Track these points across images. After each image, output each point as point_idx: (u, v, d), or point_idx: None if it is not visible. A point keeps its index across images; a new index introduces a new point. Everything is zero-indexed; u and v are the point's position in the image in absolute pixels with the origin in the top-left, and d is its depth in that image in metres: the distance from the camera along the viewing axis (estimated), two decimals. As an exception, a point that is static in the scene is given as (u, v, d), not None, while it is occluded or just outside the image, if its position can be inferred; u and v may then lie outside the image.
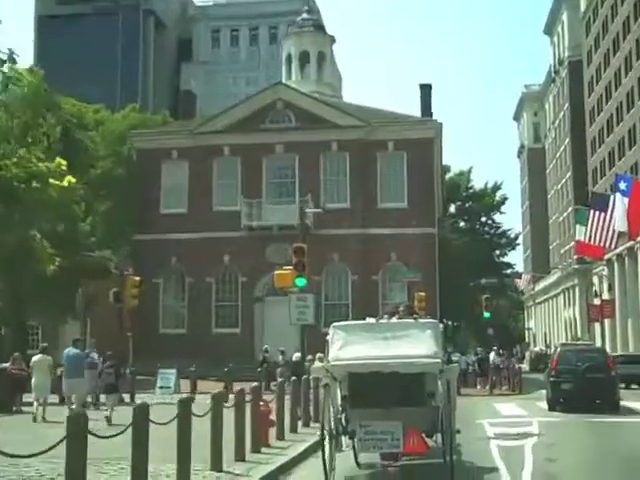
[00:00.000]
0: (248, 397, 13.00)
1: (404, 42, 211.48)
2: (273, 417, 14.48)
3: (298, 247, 19.73)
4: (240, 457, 11.86)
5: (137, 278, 26.99)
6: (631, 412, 21.41)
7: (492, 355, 36.93)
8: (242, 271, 42.09)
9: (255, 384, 13.57)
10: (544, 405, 23.71)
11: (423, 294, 33.09)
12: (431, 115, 44.38)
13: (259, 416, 12.89)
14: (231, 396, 12.55)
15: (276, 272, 20.17)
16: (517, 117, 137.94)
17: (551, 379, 23.10)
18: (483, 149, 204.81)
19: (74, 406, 19.27)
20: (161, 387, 25.86)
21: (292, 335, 39.98)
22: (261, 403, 13.51)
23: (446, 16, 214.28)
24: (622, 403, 22.28)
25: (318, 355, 22.03)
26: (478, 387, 34.48)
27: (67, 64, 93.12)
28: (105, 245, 53.79)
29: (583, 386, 21.59)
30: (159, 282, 43.29)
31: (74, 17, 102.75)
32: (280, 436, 14.61)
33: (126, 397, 24.74)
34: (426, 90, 46.23)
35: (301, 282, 19.09)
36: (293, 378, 16.73)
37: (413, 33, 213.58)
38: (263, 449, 13.01)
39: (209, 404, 11.31)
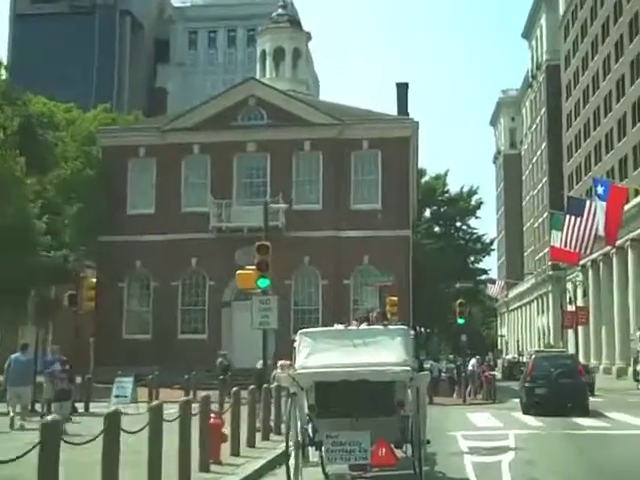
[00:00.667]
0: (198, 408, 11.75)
1: (383, 47, 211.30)
2: (227, 430, 13.21)
3: (261, 245, 18.49)
4: (185, 477, 10.58)
5: (93, 280, 25.60)
6: (601, 415, 21.22)
7: (472, 362, 35.90)
8: (210, 275, 40.68)
9: (205, 394, 12.25)
10: (519, 415, 22.71)
11: (395, 298, 31.91)
12: (407, 115, 43.22)
13: (208, 430, 11.61)
14: (174, 409, 11.19)
15: (238, 272, 18.91)
16: (494, 122, 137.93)
17: (526, 384, 24.54)
18: (459, 154, 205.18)
19: (18, 418, 17.97)
20: (117, 396, 24.39)
21: (259, 341, 39.01)
22: (212, 415, 12.25)
23: (425, 20, 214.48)
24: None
25: (280, 363, 21.02)
26: (455, 396, 33.32)
27: (43, 63, 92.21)
28: (77, 247, 52.52)
29: (555, 391, 23.07)
30: (123, 286, 41.82)
31: (50, 16, 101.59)
32: (235, 451, 13.35)
33: (80, 406, 23.34)
34: (403, 89, 45.12)
35: (264, 283, 17.83)
36: (252, 387, 15.42)
37: (392, 37, 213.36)
38: (213, 467, 11.72)
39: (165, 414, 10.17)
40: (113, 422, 7.97)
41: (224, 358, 34.40)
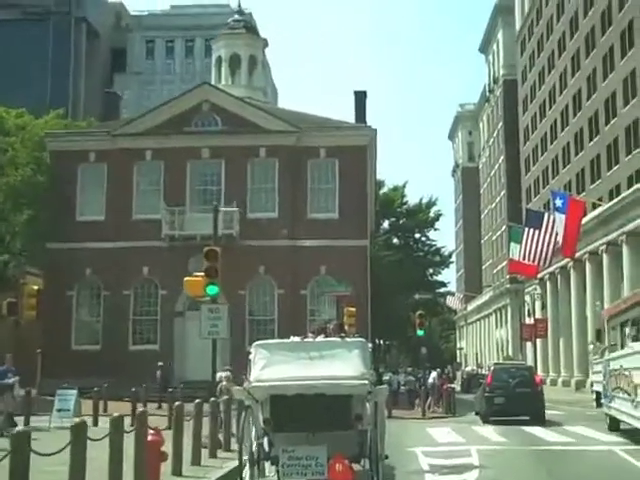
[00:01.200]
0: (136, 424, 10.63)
1: (341, 59, 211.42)
2: (169, 448, 12.09)
3: (210, 250, 17.39)
4: (114, 503, 9.47)
5: (35, 287, 24.23)
6: (564, 430, 20.81)
7: (434, 375, 35.09)
8: (162, 284, 39.35)
9: (141, 409, 11.14)
10: (480, 429, 21.93)
11: (353, 309, 30.97)
12: (365, 123, 42.43)
13: (145, 448, 10.49)
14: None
15: (186, 279, 17.79)
16: (452, 136, 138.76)
17: (486, 394, 25.90)
18: (417, 167, 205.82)
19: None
20: (59, 410, 23.01)
21: (216, 352, 37.87)
22: (150, 431, 11.12)
23: (383, 33, 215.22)
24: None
25: (224, 374, 20.18)
26: (418, 408, 32.38)
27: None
28: (20, 255, 50.91)
29: (513, 399, 24.50)
30: (72, 294, 40.35)
31: (3, 22, 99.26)
32: (177, 471, 12.23)
33: (20, 420, 21.97)
34: (361, 97, 44.35)
35: (213, 290, 16.75)
36: (197, 400, 14.32)
37: (350, 49, 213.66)
38: (150, 490, 10.62)
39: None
40: (21, 442, 6.82)
41: (163, 370, 33.42)
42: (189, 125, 40.65)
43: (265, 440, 9.98)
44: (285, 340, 10.92)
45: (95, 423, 23.35)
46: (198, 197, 40.21)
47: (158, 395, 26.49)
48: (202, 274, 17.13)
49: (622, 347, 19.11)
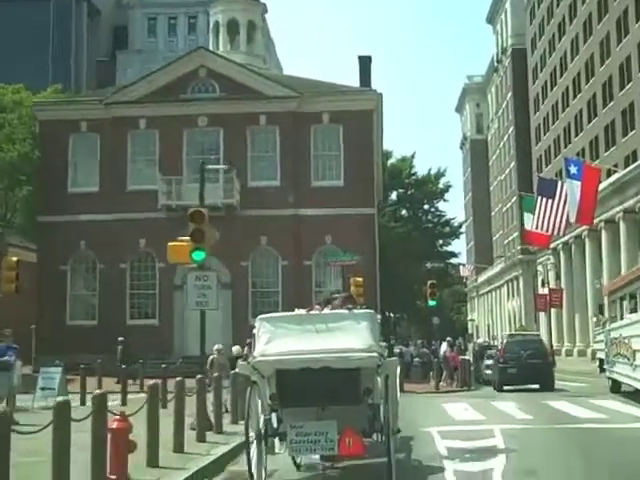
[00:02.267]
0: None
1: (347, 31, 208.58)
2: (143, 434, 10.31)
3: (195, 212, 15.57)
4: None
5: (14, 259, 22.49)
6: (592, 405, 19.51)
7: (444, 346, 33.45)
8: (160, 256, 37.19)
9: (98, 391, 9.33)
10: (501, 406, 20.04)
11: (360, 279, 29.06)
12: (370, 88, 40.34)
13: (105, 437, 8.71)
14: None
15: (170, 244, 15.95)
16: (459, 109, 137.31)
17: (499, 365, 28.03)
18: (425, 140, 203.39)
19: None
20: (43, 388, 21.42)
21: (216, 326, 36.24)
22: (116, 416, 9.33)
23: (389, 6, 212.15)
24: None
25: (216, 347, 19.26)
26: (432, 382, 30.68)
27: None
28: (23, 230, 49.70)
29: (525, 370, 26.66)
30: (66, 269, 38.72)
31: (4, 0, 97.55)
32: (153, 461, 10.43)
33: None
34: (365, 62, 42.07)
35: (199, 256, 14.90)
36: (178, 378, 12.50)
37: (357, 18, 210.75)
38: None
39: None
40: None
41: (124, 345, 31.84)
42: (185, 92, 38.80)
43: (273, 416, 9.73)
44: (290, 313, 10.45)
45: (82, 402, 21.74)
46: (195, 166, 38.27)
47: (123, 372, 24.99)
48: (187, 238, 15.28)
49: (621, 318, 21.71)
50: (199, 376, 13.92)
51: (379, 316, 10.55)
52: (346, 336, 9.42)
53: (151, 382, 11.43)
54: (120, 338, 32.59)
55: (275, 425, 9.70)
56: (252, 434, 9.37)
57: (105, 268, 38.33)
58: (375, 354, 9.37)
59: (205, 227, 15.15)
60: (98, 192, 38.43)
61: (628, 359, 19.96)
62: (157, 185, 37.52)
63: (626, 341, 20.26)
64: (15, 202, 58.04)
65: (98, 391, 9.14)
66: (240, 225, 36.14)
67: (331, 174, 38.06)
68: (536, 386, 26.83)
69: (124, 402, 21.74)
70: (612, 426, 15.15)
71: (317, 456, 10.26)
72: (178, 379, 12.61)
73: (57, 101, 41.65)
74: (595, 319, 39.20)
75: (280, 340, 9.55)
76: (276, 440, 9.70)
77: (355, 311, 10.17)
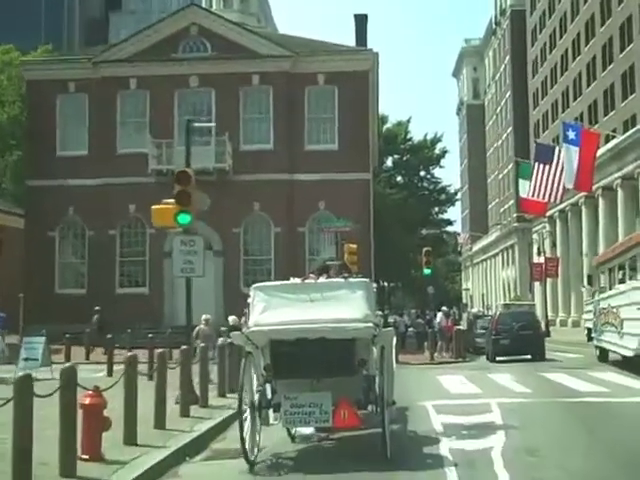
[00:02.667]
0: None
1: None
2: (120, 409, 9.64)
3: (181, 172, 14.78)
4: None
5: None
6: (591, 377, 18.85)
7: (439, 316, 32.84)
8: (150, 222, 36.36)
9: (69, 363, 8.62)
10: (498, 378, 19.47)
11: (354, 246, 28.34)
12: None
13: (73, 413, 8.03)
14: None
15: (153, 207, 15.18)
16: (456, 73, 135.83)
17: (492, 337, 28.62)
18: (421, 105, 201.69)
19: None
20: (26, 359, 20.72)
21: (208, 295, 35.53)
22: (89, 391, 8.65)
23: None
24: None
25: (204, 317, 19.13)
26: (427, 353, 30.12)
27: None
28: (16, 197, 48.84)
29: (517, 340, 27.41)
30: (54, 235, 37.75)
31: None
32: (130, 439, 9.76)
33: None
34: (361, 21, 41.07)
35: (185, 219, 14.13)
36: (160, 350, 11.82)
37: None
38: (85, 467, 8.15)
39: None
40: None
41: (100, 314, 31.20)
42: (176, 51, 37.60)
43: (268, 387, 9.60)
44: (285, 282, 10.30)
45: (109, 373, 21.24)
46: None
47: (98, 342, 24.46)
48: (172, 201, 14.51)
49: (610, 289, 22.46)
50: (183, 347, 13.24)
51: (375, 285, 10.44)
52: (341, 306, 9.33)
53: (129, 353, 10.74)
54: (96, 307, 31.85)
55: (269, 396, 9.57)
56: (246, 405, 9.22)
57: (94, 235, 37.42)
58: (371, 324, 9.27)
59: (191, 189, 14.39)
60: (86, 155, 37.36)
61: (616, 327, 20.68)
62: (147, 148, 36.50)
63: (614, 310, 20.98)
64: (5, 167, 57.08)
65: (68, 363, 8.44)
66: (232, 190, 35.27)
67: (325, 137, 37.10)
68: (528, 356, 27.37)
69: (110, 373, 21.10)
70: (613, 400, 14.52)
71: (312, 427, 10.17)
72: (159, 350, 11.95)
73: (45, 60, 40.40)
74: (584, 289, 39.86)
75: (275, 310, 9.46)
76: (270, 411, 9.59)
77: (350, 280, 9.99)
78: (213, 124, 32.00)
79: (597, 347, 24.78)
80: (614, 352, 22.07)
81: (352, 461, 9.14)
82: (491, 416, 12.37)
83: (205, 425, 11.70)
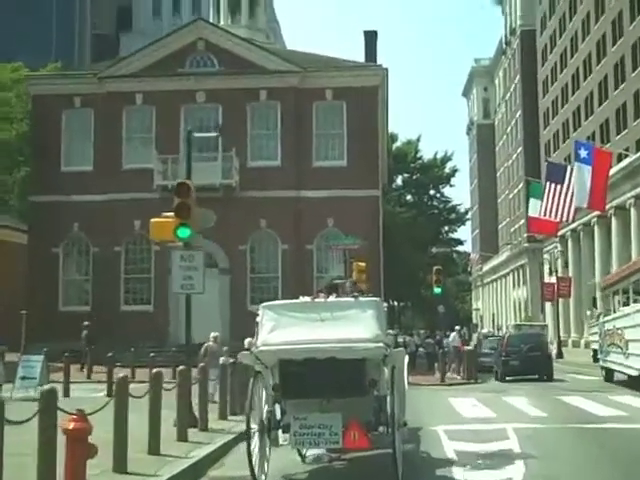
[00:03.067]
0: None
1: (352, 12, 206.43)
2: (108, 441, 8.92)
3: (181, 184, 14.19)
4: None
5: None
6: (609, 400, 18.14)
7: (452, 336, 32.04)
8: (156, 239, 36.04)
9: (47, 386, 7.94)
10: (512, 401, 18.67)
11: (363, 264, 27.62)
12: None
13: (52, 439, 7.34)
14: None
15: (152, 220, 14.54)
16: (466, 93, 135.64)
17: (502, 358, 29.52)
18: (431, 125, 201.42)
19: None
20: (23, 378, 20.08)
21: (214, 313, 34.89)
22: (73, 415, 7.94)
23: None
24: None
25: (213, 335, 18.85)
26: (438, 373, 29.31)
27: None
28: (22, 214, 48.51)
29: (526, 362, 28.39)
30: (58, 251, 37.18)
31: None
32: (120, 467, 9.05)
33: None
34: (371, 37, 40.55)
35: (185, 233, 13.49)
36: (156, 369, 11.10)
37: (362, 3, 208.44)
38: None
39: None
40: None
41: (89, 329, 30.53)
42: (183, 66, 37.15)
43: (277, 408, 9.48)
44: (294, 300, 10.18)
45: (66, 393, 20.38)
46: (193, 144, 36.74)
47: (87, 358, 23.73)
48: (171, 214, 13.88)
49: (614, 311, 23.71)
50: (181, 367, 12.54)
51: (386, 304, 10.25)
52: (352, 325, 9.19)
53: (121, 374, 10.04)
54: (85, 322, 31.14)
55: (279, 417, 9.44)
56: (254, 426, 9.07)
57: (99, 251, 36.87)
58: (381, 344, 9.13)
59: (191, 202, 13.74)
60: (92, 171, 36.87)
61: (621, 348, 21.66)
62: (153, 164, 36.00)
63: (619, 332, 22.02)
64: (12, 183, 56.81)
65: (47, 386, 7.74)
66: (239, 207, 34.73)
67: (334, 154, 36.51)
68: (537, 377, 28.15)
69: (110, 393, 20.33)
70: (635, 426, 13.74)
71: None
72: (156, 370, 11.25)
73: (50, 75, 39.99)
74: (589, 312, 40.11)
75: (284, 329, 9.32)
76: (279, 432, 9.44)
77: (361, 299, 9.84)
78: (216, 134, 31.44)
79: (603, 368, 25.58)
80: (619, 372, 22.88)
81: None
82: (507, 443, 11.60)
83: (203, 450, 10.99)
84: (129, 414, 9.58)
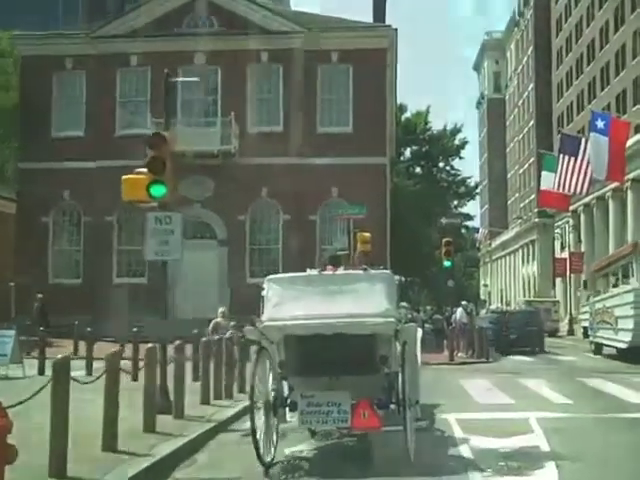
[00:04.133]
0: None
1: None
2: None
3: (155, 135, 12.51)
4: None
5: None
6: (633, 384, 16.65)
7: (459, 312, 30.45)
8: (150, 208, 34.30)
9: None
10: (531, 384, 16.93)
11: (368, 234, 25.78)
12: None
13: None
14: None
15: (124, 177, 12.83)
16: (477, 67, 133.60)
17: (503, 333, 32.70)
18: (440, 98, 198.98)
19: None
20: (-6, 354, 18.43)
21: (212, 287, 33.27)
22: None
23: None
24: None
25: (221, 310, 18.64)
26: (446, 352, 27.54)
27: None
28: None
29: (523, 336, 32.18)
30: (48, 221, 35.57)
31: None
32: (59, 471, 7.30)
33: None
34: (379, -1, 38.48)
35: (158, 191, 11.75)
36: (115, 349, 9.36)
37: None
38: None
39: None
40: None
41: (42, 302, 28.93)
42: (180, 26, 35.20)
43: (284, 384, 9.20)
44: (301, 273, 9.65)
45: (41, 371, 18.70)
46: (190, 109, 34.97)
47: (42, 333, 21.95)
48: (144, 170, 12.13)
49: (604, 292, 27.27)
50: (150, 345, 10.78)
51: (397, 277, 9.64)
52: (361, 299, 8.88)
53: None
54: (39, 295, 29.22)
55: (285, 394, 9.16)
56: (259, 403, 8.71)
57: (90, 221, 35.22)
58: (392, 319, 8.81)
59: (167, 155, 11.97)
60: (83, 137, 35.18)
61: (611, 325, 24.51)
62: (148, 130, 34.09)
63: (609, 310, 24.83)
64: (9, 154, 55.31)
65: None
66: (238, 175, 33.01)
67: (339, 119, 34.62)
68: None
69: (89, 371, 18.65)
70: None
71: None
72: (117, 348, 9.51)
73: (39, 35, 37.95)
74: (579, 293, 43.88)
75: (289, 303, 9.02)
76: (286, 410, 9.15)
77: (371, 272, 9.41)
78: (196, 79, 29.46)
79: (592, 342, 28.76)
80: (609, 346, 25.66)
81: (372, 463, 8.76)
82: (532, 438, 9.79)
83: (170, 446, 9.23)
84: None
